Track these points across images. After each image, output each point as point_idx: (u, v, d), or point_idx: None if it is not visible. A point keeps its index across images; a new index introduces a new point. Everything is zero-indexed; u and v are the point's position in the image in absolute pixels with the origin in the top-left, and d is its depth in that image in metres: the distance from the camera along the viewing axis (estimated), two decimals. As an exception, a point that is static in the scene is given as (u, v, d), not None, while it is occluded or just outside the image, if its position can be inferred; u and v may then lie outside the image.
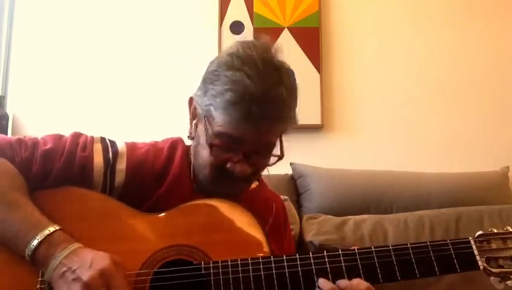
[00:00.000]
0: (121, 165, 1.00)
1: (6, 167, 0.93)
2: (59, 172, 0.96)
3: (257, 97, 0.91)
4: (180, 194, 1.01)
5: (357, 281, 0.90)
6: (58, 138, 1.01)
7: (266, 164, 1.02)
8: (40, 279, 0.88)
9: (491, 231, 0.96)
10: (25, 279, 0.89)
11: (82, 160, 0.97)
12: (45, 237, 0.87)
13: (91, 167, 0.98)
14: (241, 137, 0.95)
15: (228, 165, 0.97)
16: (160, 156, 1.05)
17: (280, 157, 1.00)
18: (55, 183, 0.96)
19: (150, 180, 1.01)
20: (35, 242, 0.86)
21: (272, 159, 1.01)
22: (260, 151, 0.98)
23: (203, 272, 0.91)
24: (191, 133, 1.07)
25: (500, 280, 0.92)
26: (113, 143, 1.03)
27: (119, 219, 0.96)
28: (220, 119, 0.94)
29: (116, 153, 1.01)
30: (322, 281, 0.90)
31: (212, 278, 0.90)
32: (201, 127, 1.01)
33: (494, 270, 0.92)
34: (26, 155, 0.95)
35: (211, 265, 0.91)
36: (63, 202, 0.96)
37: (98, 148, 1.01)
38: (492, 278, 0.93)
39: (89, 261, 0.84)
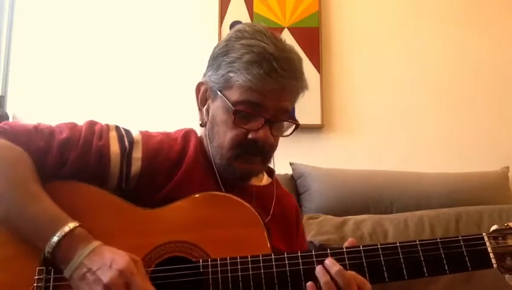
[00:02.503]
0: (137, 153, 0.99)
1: (24, 157, 0.93)
2: (75, 161, 0.95)
3: (276, 56, 0.95)
4: (194, 183, 1.00)
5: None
6: (73, 126, 1.00)
7: (282, 134, 1.03)
8: (37, 277, 0.88)
9: (508, 225, 0.92)
10: (23, 275, 0.88)
11: (99, 148, 0.97)
12: (66, 234, 0.86)
13: (108, 156, 0.97)
14: (262, 99, 0.96)
15: (250, 135, 0.97)
16: (175, 146, 1.04)
17: (298, 124, 1.02)
18: (70, 172, 0.95)
19: (166, 169, 1.00)
20: (55, 239, 0.86)
21: (289, 130, 1.03)
22: (278, 116, 0.99)
23: (201, 270, 0.89)
24: (203, 120, 1.06)
25: None
26: (127, 131, 1.03)
27: (117, 215, 0.95)
28: (241, 80, 0.95)
29: (132, 141, 1.00)
30: (319, 269, 0.88)
31: (210, 276, 0.88)
32: (217, 104, 1.01)
33: (509, 267, 0.88)
34: (43, 144, 0.94)
35: (210, 263, 0.89)
36: (60, 198, 0.93)
37: (113, 136, 1.00)
38: (507, 276, 0.89)
39: (109, 262, 0.83)
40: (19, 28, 2.36)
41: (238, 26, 1.04)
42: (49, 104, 2.28)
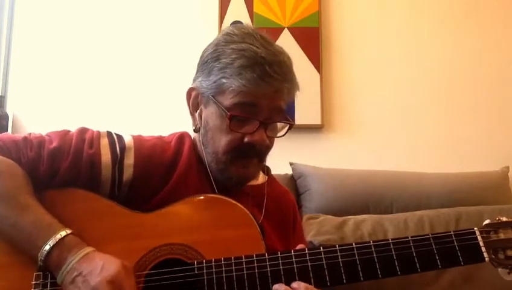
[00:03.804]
0: (129, 160, 0.99)
1: (15, 169, 0.93)
2: (66, 171, 0.95)
3: (268, 60, 0.95)
4: (190, 186, 1.01)
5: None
6: (64, 134, 1.00)
7: (277, 135, 1.04)
8: (34, 282, 0.88)
9: (499, 219, 0.92)
10: (21, 282, 0.88)
11: (89, 157, 0.96)
12: (57, 242, 0.87)
13: (99, 164, 0.97)
14: (256, 102, 0.96)
15: (246, 139, 0.98)
16: (169, 149, 1.04)
17: (292, 124, 1.03)
18: (62, 182, 0.96)
19: (159, 173, 1.00)
20: (47, 247, 0.86)
21: (283, 130, 1.03)
22: (272, 117, 1.00)
23: (196, 271, 0.89)
24: (196, 125, 1.06)
25: (508, 272, 0.88)
26: (119, 137, 1.02)
27: (111, 219, 0.95)
28: (235, 85, 0.95)
29: (123, 147, 1.00)
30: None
31: (205, 277, 0.89)
32: (210, 110, 1.01)
33: (501, 261, 0.88)
34: (33, 155, 0.94)
35: (204, 264, 0.90)
36: (53, 205, 0.93)
37: (104, 143, 0.99)
38: (500, 269, 0.89)
39: (99, 267, 0.84)
40: (19, 28, 2.36)
41: (226, 30, 1.04)
42: (49, 104, 2.29)
